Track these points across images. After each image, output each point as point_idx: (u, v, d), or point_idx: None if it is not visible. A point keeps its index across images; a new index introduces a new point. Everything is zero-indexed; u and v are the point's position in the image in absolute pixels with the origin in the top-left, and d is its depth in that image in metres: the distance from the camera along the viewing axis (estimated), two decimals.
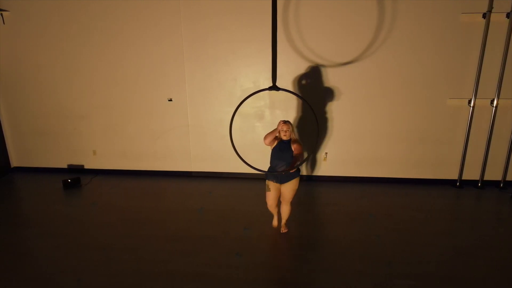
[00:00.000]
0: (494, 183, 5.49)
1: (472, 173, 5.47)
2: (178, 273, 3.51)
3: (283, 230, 4.17)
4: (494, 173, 5.44)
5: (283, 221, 4.14)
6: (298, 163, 3.65)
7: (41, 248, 4.00)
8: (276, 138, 3.79)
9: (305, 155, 5.59)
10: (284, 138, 3.72)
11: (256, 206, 4.91)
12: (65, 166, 6.27)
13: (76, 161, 6.23)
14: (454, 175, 5.52)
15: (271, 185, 3.84)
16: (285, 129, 3.69)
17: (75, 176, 5.76)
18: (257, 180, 5.79)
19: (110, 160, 6.13)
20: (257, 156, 5.66)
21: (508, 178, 5.44)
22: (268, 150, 5.66)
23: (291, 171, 3.63)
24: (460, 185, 5.48)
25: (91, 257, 3.79)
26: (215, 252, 3.84)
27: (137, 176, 6.08)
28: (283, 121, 3.74)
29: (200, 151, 5.90)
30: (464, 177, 5.48)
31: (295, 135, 3.80)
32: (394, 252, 3.82)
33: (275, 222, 4.16)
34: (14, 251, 3.94)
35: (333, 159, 5.65)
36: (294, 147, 3.69)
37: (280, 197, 3.95)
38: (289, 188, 3.80)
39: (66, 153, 6.20)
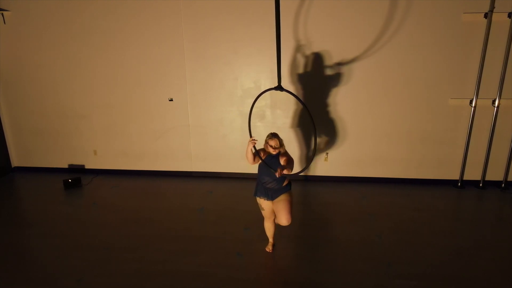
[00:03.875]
0: (495, 183, 5.47)
1: (473, 173, 5.45)
2: (178, 273, 3.51)
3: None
4: (495, 173, 5.42)
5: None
6: (288, 172, 3.30)
7: (41, 248, 4.00)
8: (264, 152, 3.52)
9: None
10: (273, 153, 3.43)
11: (256, 206, 4.89)
12: (66, 166, 6.28)
13: (76, 161, 6.23)
14: (455, 175, 5.51)
15: (263, 203, 3.59)
16: (273, 144, 3.37)
17: (76, 176, 5.76)
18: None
19: (111, 160, 6.13)
20: None
21: (510, 178, 5.42)
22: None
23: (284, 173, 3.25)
24: (461, 185, 5.47)
25: (92, 257, 3.79)
26: (216, 252, 3.84)
27: (137, 176, 6.08)
28: (271, 134, 3.47)
29: (201, 151, 5.89)
30: (465, 177, 5.47)
31: (284, 148, 3.49)
32: (395, 252, 3.81)
33: (269, 247, 3.83)
34: (15, 251, 3.94)
35: (334, 159, 5.64)
36: (283, 160, 3.39)
37: (276, 218, 3.66)
38: (282, 201, 3.48)
39: (67, 153, 6.20)
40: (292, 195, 3.61)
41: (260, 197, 3.60)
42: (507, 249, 3.89)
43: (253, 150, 3.46)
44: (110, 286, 3.37)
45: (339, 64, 5.15)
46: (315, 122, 5.47)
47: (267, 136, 3.47)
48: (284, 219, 3.49)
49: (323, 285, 3.36)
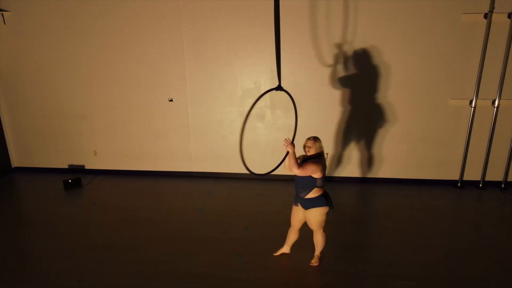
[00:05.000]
0: (495, 184, 5.47)
1: (473, 174, 5.46)
2: (178, 273, 3.51)
3: (314, 262, 3.61)
4: (495, 174, 5.42)
5: (316, 252, 3.64)
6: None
7: (41, 248, 4.00)
8: (300, 158, 3.41)
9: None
10: (306, 151, 3.34)
11: (256, 207, 4.91)
12: (66, 166, 6.27)
13: (77, 161, 6.23)
14: (455, 176, 5.51)
15: (293, 208, 3.53)
16: (308, 144, 3.30)
17: (76, 176, 5.76)
18: (257, 180, 5.78)
19: (111, 160, 6.13)
20: (257, 157, 5.68)
21: (510, 178, 5.42)
22: (269, 150, 5.68)
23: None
24: (461, 185, 5.47)
25: (92, 257, 3.79)
26: (216, 253, 3.84)
27: (137, 176, 6.07)
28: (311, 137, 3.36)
29: (201, 151, 5.89)
30: (465, 178, 5.47)
31: (316, 150, 3.30)
32: (395, 253, 3.81)
33: (278, 252, 3.76)
34: (15, 251, 3.94)
35: (334, 160, 5.64)
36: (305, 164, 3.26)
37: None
38: (311, 217, 3.40)
39: (67, 153, 6.20)
40: (323, 213, 3.38)
41: (294, 204, 3.54)
42: (507, 250, 3.89)
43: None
44: (110, 286, 3.36)
45: (338, 64, 5.15)
46: (317, 123, 5.49)
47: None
48: (314, 234, 3.58)
49: (323, 286, 3.36)
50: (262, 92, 5.38)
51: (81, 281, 3.43)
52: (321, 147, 3.34)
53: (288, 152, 3.28)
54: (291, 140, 3.32)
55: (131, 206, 5.00)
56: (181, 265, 3.64)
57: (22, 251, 3.96)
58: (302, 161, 3.33)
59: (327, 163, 5.66)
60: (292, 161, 3.22)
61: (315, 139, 3.33)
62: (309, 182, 3.29)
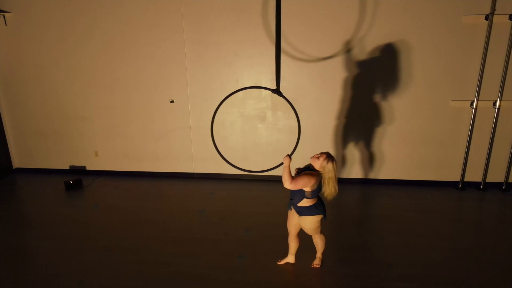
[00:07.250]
0: (496, 185, 5.47)
1: (474, 175, 5.45)
2: (180, 275, 3.52)
3: (315, 264, 3.61)
4: (496, 175, 5.42)
5: (317, 253, 3.62)
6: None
7: (42, 250, 4.01)
8: (302, 169, 3.33)
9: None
10: (311, 160, 3.24)
11: (257, 208, 4.92)
12: (67, 167, 6.28)
13: (78, 162, 6.23)
14: (456, 177, 5.51)
15: (289, 212, 3.47)
16: (319, 155, 3.19)
17: (77, 177, 5.76)
18: (258, 181, 5.79)
19: (112, 161, 6.13)
20: (258, 158, 5.69)
21: (511, 180, 5.41)
22: (270, 151, 5.69)
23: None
24: (462, 187, 5.46)
25: (93, 259, 3.80)
26: (217, 254, 3.85)
27: (139, 178, 6.08)
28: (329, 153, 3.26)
29: (202, 152, 5.89)
30: (466, 179, 5.46)
31: (319, 166, 3.17)
32: (395, 255, 3.81)
33: (283, 261, 3.67)
34: (16, 253, 3.95)
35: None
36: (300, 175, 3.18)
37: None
38: (304, 224, 3.36)
39: (68, 154, 6.20)
40: (316, 221, 3.33)
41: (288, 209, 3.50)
42: (508, 251, 3.89)
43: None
44: (111, 287, 3.38)
45: (338, 65, 5.15)
46: (317, 125, 5.49)
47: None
48: (313, 237, 3.55)
49: (324, 287, 3.37)
50: (263, 92, 5.42)
51: (82, 282, 3.43)
52: (329, 171, 3.14)
53: (282, 163, 3.22)
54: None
55: (132, 207, 5.00)
56: (182, 266, 3.65)
57: (23, 252, 3.97)
58: (302, 170, 3.29)
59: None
60: (285, 175, 3.11)
61: (330, 157, 3.17)
62: (299, 192, 3.23)
